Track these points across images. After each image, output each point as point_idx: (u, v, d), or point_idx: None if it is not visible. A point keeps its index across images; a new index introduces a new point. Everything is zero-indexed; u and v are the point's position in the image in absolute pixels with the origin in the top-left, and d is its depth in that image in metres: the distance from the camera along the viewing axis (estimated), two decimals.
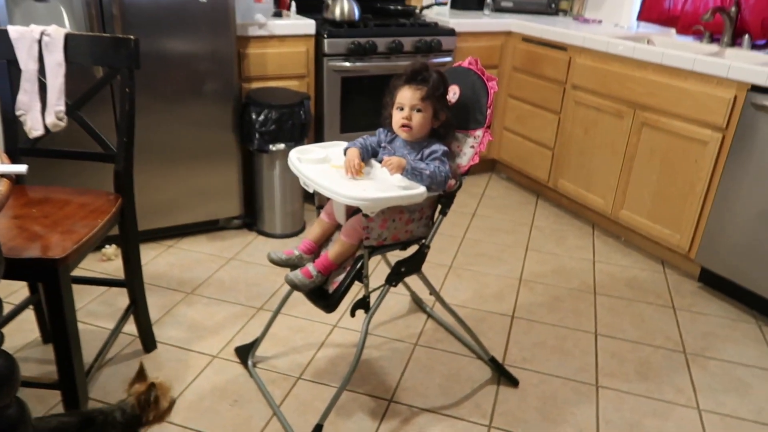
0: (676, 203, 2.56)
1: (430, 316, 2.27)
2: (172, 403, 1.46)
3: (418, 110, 1.59)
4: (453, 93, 1.72)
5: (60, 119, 1.74)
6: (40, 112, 1.73)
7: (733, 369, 2.06)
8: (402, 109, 1.60)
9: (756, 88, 2.22)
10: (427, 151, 1.60)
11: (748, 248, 2.31)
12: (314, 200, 1.78)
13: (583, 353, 2.10)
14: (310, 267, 1.63)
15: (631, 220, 2.80)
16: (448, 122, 1.65)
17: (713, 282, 2.54)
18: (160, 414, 1.42)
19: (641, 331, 2.24)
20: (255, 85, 2.81)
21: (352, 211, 1.65)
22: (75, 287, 1.49)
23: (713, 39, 2.93)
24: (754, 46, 2.76)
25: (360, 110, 3.05)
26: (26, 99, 1.73)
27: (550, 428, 1.76)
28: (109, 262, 2.53)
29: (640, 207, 2.74)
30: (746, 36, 2.75)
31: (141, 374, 1.43)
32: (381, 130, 1.71)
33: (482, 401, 1.85)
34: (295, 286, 1.62)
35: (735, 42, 2.82)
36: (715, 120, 2.34)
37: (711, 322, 2.33)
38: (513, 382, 1.93)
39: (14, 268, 1.36)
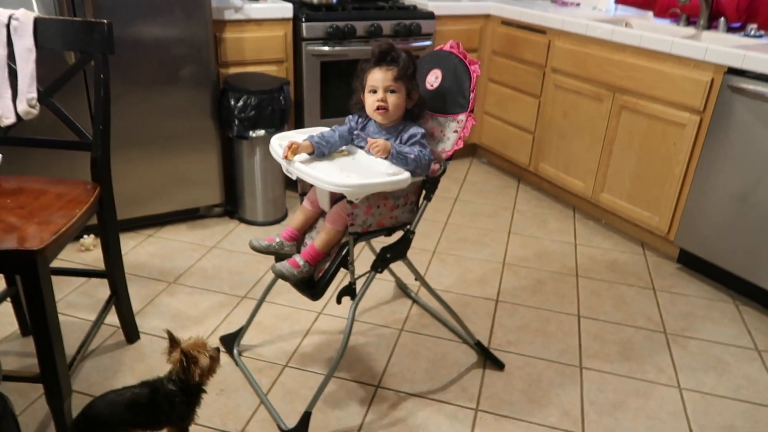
0: (655, 186, 2.59)
1: (415, 301, 2.27)
2: (214, 354, 1.44)
3: (392, 91, 1.57)
4: (435, 77, 1.71)
5: (32, 106, 1.69)
6: (11, 100, 1.68)
7: (711, 348, 2.10)
8: (375, 91, 1.58)
9: (732, 71, 2.24)
10: (405, 135, 1.58)
11: (725, 229, 2.35)
12: (297, 187, 1.76)
13: (566, 335, 2.12)
14: (298, 258, 1.61)
15: (611, 203, 2.83)
16: (422, 101, 1.63)
17: (692, 263, 2.58)
18: (206, 370, 1.41)
19: (623, 313, 2.27)
20: (233, 70, 2.76)
21: (336, 198, 1.64)
22: (54, 278, 1.46)
23: (690, 22, 2.95)
24: (730, 29, 2.79)
25: (340, 95, 3.02)
26: None
27: (535, 410, 1.78)
28: (87, 252, 2.48)
29: (620, 190, 2.77)
30: (722, 19, 2.78)
31: (173, 341, 1.41)
32: (350, 117, 1.68)
33: (468, 385, 1.86)
34: (282, 277, 1.61)
35: (711, 25, 2.85)
36: (693, 103, 2.37)
37: (690, 302, 2.37)
38: (498, 365, 1.95)
39: None
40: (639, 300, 2.36)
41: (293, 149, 1.54)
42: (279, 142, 1.63)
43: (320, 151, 1.58)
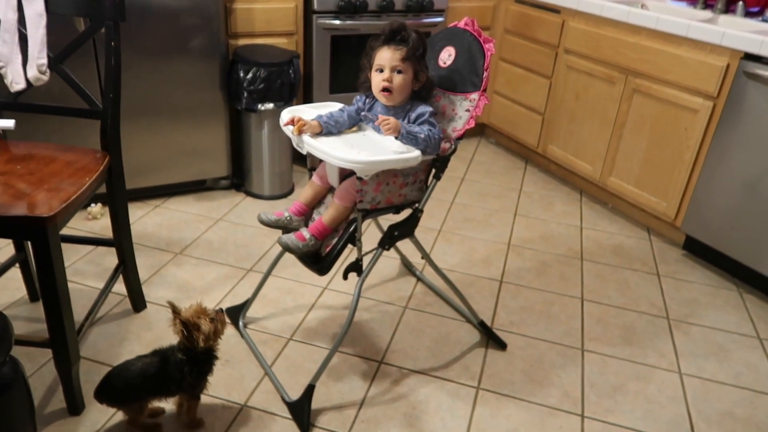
0: (665, 171, 2.58)
1: (419, 279, 2.28)
2: (217, 316, 1.45)
3: (399, 71, 1.55)
4: (448, 54, 1.69)
5: (42, 72, 1.68)
6: (21, 65, 1.67)
7: (713, 335, 2.11)
8: (382, 70, 1.56)
9: (749, 57, 2.21)
10: (413, 115, 1.57)
11: (732, 217, 2.34)
12: (306, 162, 1.76)
13: (570, 318, 2.14)
14: (304, 231, 1.61)
15: (618, 188, 2.82)
16: (429, 83, 1.62)
17: (697, 250, 2.58)
18: (209, 335, 1.43)
19: (626, 297, 2.28)
20: (242, 42, 2.73)
21: (345, 174, 1.64)
22: (62, 246, 1.47)
23: (707, 5, 2.90)
24: (748, 13, 2.74)
25: (350, 70, 2.99)
26: (6, 51, 1.66)
27: (536, 390, 1.80)
28: (94, 221, 2.49)
29: (628, 174, 2.76)
30: (740, 2, 2.73)
31: (175, 312, 1.42)
32: (358, 97, 1.67)
33: (471, 363, 1.88)
34: (288, 249, 1.61)
35: (729, 8, 2.80)
36: (707, 88, 2.34)
37: (694, 289, 2.37)
38: (501, 345, 1.96)
39: (1, 226, 1.33)
40: (643, 285, 2.37)
41: (299, 126, 1.53)
42: (290, 116, 1.62)
43: (328, 131, 1.57)
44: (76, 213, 1.52)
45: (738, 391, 1.86)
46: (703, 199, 2.44)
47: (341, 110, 1.63)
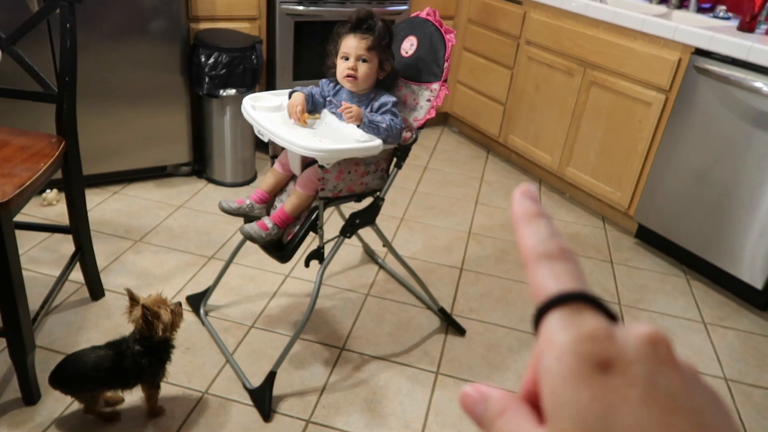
0: (619, 162, 2.66)
1: (381, 267, 2.31)
2: (175, 309, 1.45)
3: (364, 60, 1.56)
4: (410, 44, 1.70)
5: None
6: None
7: (661, 319, 2.21)
8: (347, 58, 1.57)
9: (699, 52, 2.30)
10: (377, 104, 1.59)
11: (682, 207, 2.44)
12: (268, 149, 1.75)
13: (526, 304, 2.20)
14: (266, 220, 1.62)
15: (576, 177, 2.90)
16: (394, 73, 1.63)
17: (649, 238, 2.68)
18: (168, 325, 1.42)
19: None
20: (203, 25, 2.69)
21: (307, 162, 1.64)
22: (16, 233, 1.44)
23: (662, 0, 2.99)
24: (700, 9, 2.84)
25: (313, 57, 2.98)
26: None
27: (494, 374, 1.85)
28: (50, 207, 2.43)
29: (585, 165, 2.84)
30: None
31: (132, 299, 1.41)
32: (324, 81, 1.68)
33: (430, 349, 1.92)
34: (251, 238, 1.62)
35: (683, 4, 2.90)
36: (660, 81, 2.42)
37: (645, 275, 2.47)
38: (460, 331, 2.01)
39: None
40: (597, 272, 2.45)
41: (299, 115, 1.54)
42: (251, 104, 1.62)
43: (307, 106, 1.59)
44: (30, 199, 1.49)
45: None
46: (655, 189, 2.53)
47: (310, 89, 1.65)
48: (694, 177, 2.37)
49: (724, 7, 2.72)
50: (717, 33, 2.23)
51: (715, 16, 2.73)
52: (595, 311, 0.26)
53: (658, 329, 0.25)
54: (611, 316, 0.26)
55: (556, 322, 0.25)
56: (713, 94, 2.26)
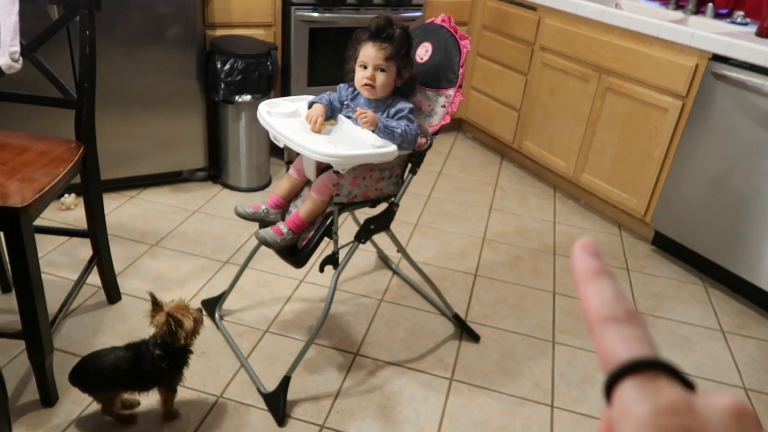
0: (635, 168, 2.64)
1: (395, 272, 2.31)
2: (197, 315, 1.45)
3: (382, 70, 1.57)
4: (425, 50, 1.71)
5: (15, 60, 1.65)
6: None
7: (678, 327, 2.18)
8: (365, 67, 1.58)
9: (717, 57, 2.28)
10: (393, 110, 1.59)
11: (699, 214, 2.41)
12: (283, 155, 1.76)
13: (541, 311, 2.18)
14: (282, 225, 1.63)
15: (591, 184, 2.88)
16: (412, 80, 1.64)
17: (665, 245, 2.65)
18: (190, 332, 1.43)
19: None
20: (219, 32, 2.72)
21: (322, 168, 1.65)
22: (35, 237, 1.46)
23: (678, 5, 2.97)
24: (717, 15, 2.81)
25: (328, 63, 3.00)
26: None
27: (508, 381, 1.84)
28: (68, 211, 2.46)
29: (600, 171, 2.82)
30: (710, 4, 2.80)
31: (156, 305, 1.42)
32: (342, 86, 1.69)
33: (444, 355, 1.92)
34: (266, 243, 1.62)
35: (699, 9, 2.87)
36: (677, 87, 2.41)
37: (661, 283, 2.45)
38: (474, 337, 2.00)
39: None
40: None
41: (318, 126, 1.55)
42: (267, 110, 1.63)
43: (326, 114, 1.60)
44: (49, 203, 1.51)
45: (700, 382, 1.92)
46: (672, 196, 2.51)
47: (328, 94, 1.65)
48: (712, 183, 2.35)
49: (741, 13, 2.70)
50: (735, 39, 2.21)
51: (733, 22, 2.70)
52: (671, 380, 0.25)
53: (741, 401, 0.24)
54: (688, 385, 0.25)
55: (631, 391, 0.24)
56: (731, 100, 2.23)
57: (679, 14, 2.89)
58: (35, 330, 1.46)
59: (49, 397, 1.57)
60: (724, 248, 2.35)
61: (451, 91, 1.64)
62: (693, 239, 2.47)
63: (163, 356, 1.43)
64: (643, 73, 2.52)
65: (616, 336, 0.27)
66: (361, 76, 1.58)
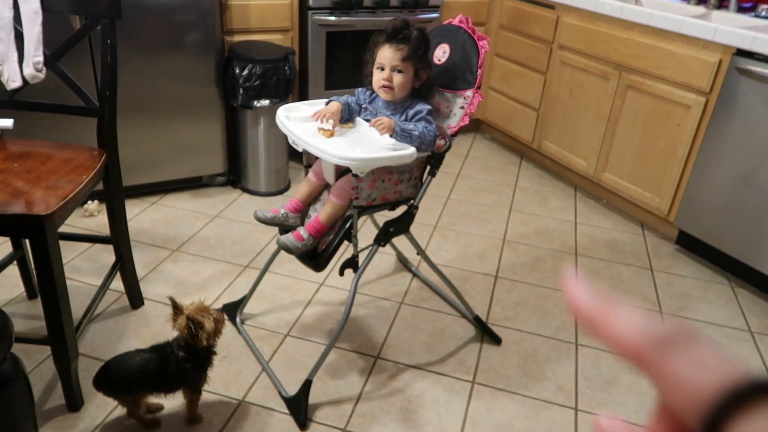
0: (658, 167, 2.60)
1: (415, 275, 2.30)
2: (218, 316, 1.46)
3: (399, 71, 1.57)
4: (443, 52, 1.70)
5: (39, 70, 1.68)
6: (17, 63, 1.67)
7: (705, 328, 2.14)
8: (383, 69, 1.58)
9: (741, 53, 2.23)
10: (411, 112, 1.59)
11: (724, 212, 2.37)
12: (302, 159, 1.77)
13: (563, 312, 2.16)
14: (302, 231, 1.63)
15: (613, 183, 2.84)
16: (430, 82, 1.63)
17: (690, 244, 2.60)
18: (212, 333, 1.44)
19: (620, 292, 2.30)
20: (237, 38, 2.74)
21: (341, 171, 1.65)
22: (59, 243, 1.48)
23: (700, 1, 2.92)
24: (741, 9, 2.76)
25: (346, 67, 3.00)
26: (2, 48, 1.66)
27: (530, 384, 1.82)
28: (91, 218, 2.49)
29: (622, 170, 2.78)
30: None
31: (176, 308, 1.43)
32: (360, 90, 1.69)
33: (466, 358, 1.90)
34: (287, 249, 1.63)
35: (722, 4, 2.82)
36: (700, 84, 2.36)
37: (687, 283, 2.40)
38: (496, 340, 1.99)
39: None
40: (636, 279, 2.39)
41: (327, 118, 1.55)
42: (286, 114, 1.63)
43: (343, 116, 1.60)
44: (73, 210, 1.53)
45: None
46: (696, 194, 2.46)
47: (346, 98, 1.66)
48: (737, 181, 2.30)
49: (766, 6, 2.65)
50: (759, 33, 2.16)
51: (757, 16, 2.65)
52: None
53: None
54: None
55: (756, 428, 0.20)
56: (756, 96, 2.19)
57: (701, 9, 2.84)
58: (60, 335, 1.48)
59: (74, 402, 1.59)
60: (750, 246, 2.30)
61: (469, 92, 1.63)
62: (718, 238, 2.42)
63: (187, 357, 1.44)
64: (664, 70, 2.48)
65: (691, 362, 0.23)
66: (378, 77, 1.58)
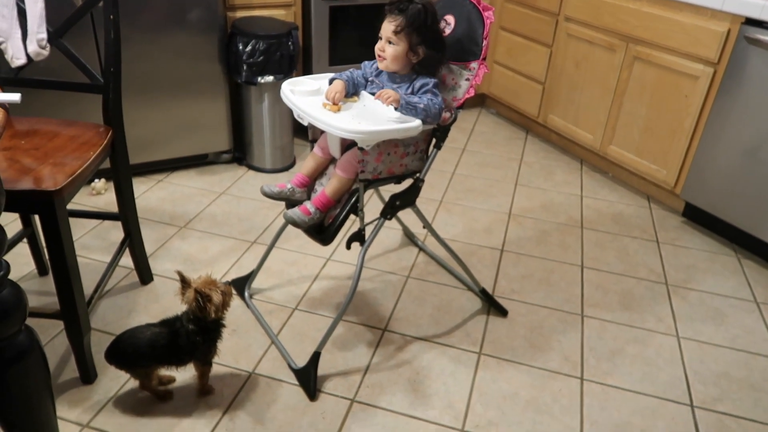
0: (665, 139, 2.59)
1: (421, 249, 2.31)
2: (225, 289, 1.49)
3: (390, 42, 1.56)
4: (447, 23, 1.68)
5: (42, 47, 1.68)
6: (21, 40, 1.67)
7: (711, 299, 2.15)
8: (381, 39, 1.58)
9: (750, 21, 2.20)
10: (417, 84, 1.58)
11: (731, 184, 2.36)
12: (307, 135, 1.77)
13: (569, 285, 2.17)
14: (309, 205, 1.63)
15: (619, 156, 2.83)
16: (427, 59, 1.58)
17: (696, 217, 2.60)
18: (220, 305, 1.46)
19: (625, 264, 2.31)
20: (240, 14, 2.71)
21: (347, 145, 1.65)
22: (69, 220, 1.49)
23: None
24: None
25: (349, 42, 2.98)
26: (5, 26, 1.66)
27: (536, 355, 1.84)
28: (98, 196, 2.51)
29: (628, 143, 2.77)
30: None
31: (184, 282, 1.45)
32: (367, 62, 1.68)
33: (472, 330, 1.92)
34: (294, 223, 1.63)
35: None
36: (707, 54, 2.33)
37: (693, 255, 2.40)
38: (502, 312, 2.00)
39: (9, 200, 1.35)
40: (642, 252, 2.40)
41: (335, 101, 1.54)
42: (290, 88, 1.63)
43: (348, 90, 1.60)
44: (81, 187, 1.54)
45: (734, 353, 1.90)
46: (703, 166, 2.45)
47: (351, 72, 1.65)
48: (745, 152, 2.29)
49: None
50: None
51: None
52: None
53: None
54: None
55: None
56: (765, 65, 2.16)
57: None
58: (73, 310, 1.50)
59: (88, 375, 1.62)
60: (757, 218, 2.29)
61: (474, 64, 1.62)
62: (725, 210, 2.41)
63: (197, 331, 1.46)
64: (672, 40, 2.45)
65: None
66: (375, 47, 1.59)
